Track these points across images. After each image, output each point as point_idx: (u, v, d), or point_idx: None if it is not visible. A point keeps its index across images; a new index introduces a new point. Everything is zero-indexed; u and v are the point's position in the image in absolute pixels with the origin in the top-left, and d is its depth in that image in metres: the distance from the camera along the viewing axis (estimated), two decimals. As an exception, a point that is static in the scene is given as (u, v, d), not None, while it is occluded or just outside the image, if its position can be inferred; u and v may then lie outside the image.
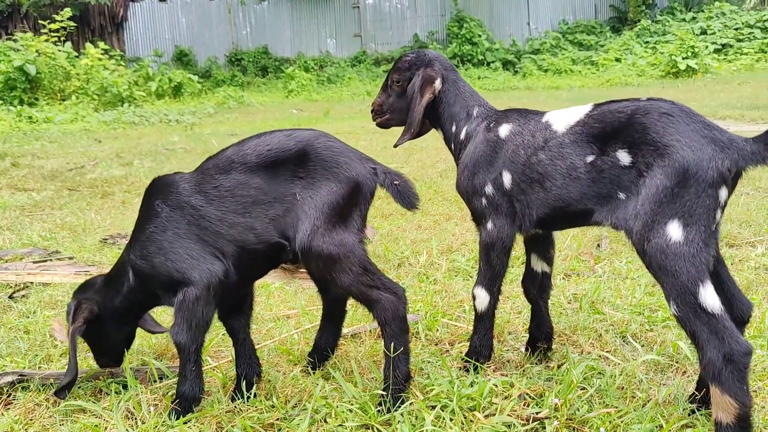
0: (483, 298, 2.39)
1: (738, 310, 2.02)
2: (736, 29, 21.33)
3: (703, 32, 21.46)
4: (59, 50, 16.05)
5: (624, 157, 1.94)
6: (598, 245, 4.10)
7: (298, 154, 2.21)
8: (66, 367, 2.35)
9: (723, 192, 1.84)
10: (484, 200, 2.31)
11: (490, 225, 2.30)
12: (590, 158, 2.03)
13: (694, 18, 22.56)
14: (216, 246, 2.20)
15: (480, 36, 22.83)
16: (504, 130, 2.32)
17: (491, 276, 2.37)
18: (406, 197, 2.30)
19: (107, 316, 2.36)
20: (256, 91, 20.94)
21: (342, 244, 2.15)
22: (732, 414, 1.75)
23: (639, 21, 22.99)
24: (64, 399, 2.26)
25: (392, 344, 2.17)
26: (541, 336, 2.54)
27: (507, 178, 2.25)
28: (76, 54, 16.68)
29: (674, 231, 1.81)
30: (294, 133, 2.26)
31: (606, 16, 24.44)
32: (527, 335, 2.58)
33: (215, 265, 2.18)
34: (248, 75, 22.70)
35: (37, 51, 15.51)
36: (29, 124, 13.05)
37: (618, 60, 21.21)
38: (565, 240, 4.11)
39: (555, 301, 3.10)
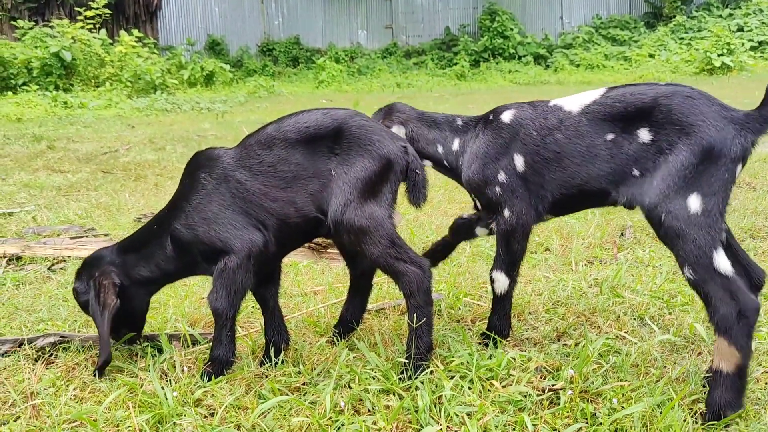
0: (502, 281, 2.47)
1: (754, 276, 2.18)
2: (773, 26, 20.90)
3: (740, 29, 21.06)
4: (94, 37, 16.38)
5: (645, 135, 2.07)
6: (622, 234, 4.13)
7: (334, 131, 2.32)
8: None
9: (739, 168, 2.00)
10: (498, 189, 2.38)
11: (507, 212, 2.37)
12: (611, 136, 2.14)
13: (731, 14, 22.15)
14: (258, 218, 2.31)
15: (512, 30, 22.68)
16: (507, 116, 2.41)
17: (510, 261, 2.44)
18: (419, 191, 2.39)
19: (132, 285, 2.43)
20: (287, 81, 21.10)
21: (372, 217, 2.25)
22: (733, 364, 1.90)
23: (674, 17, 22.63)
24: (103, 377, 2.33)
25: (416, 315, 2.26)
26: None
27: (519, 161, 2.33)
28: (111, 41, 17.01)
29: (694, 203, 1.95)
30: (330, 112, 2.37)
31: (641, 12, 24.10)
32: (546, 316, 2.65)
33: (256, 236, 2.29)
34: (279, 65, 22.87)
35: (72, 38, 15.85)
36: (64, 109, 13.36)
37: (651, 56, 20.92)
38: (588, 228, 4.15)
39: (576, 285, 3.16)
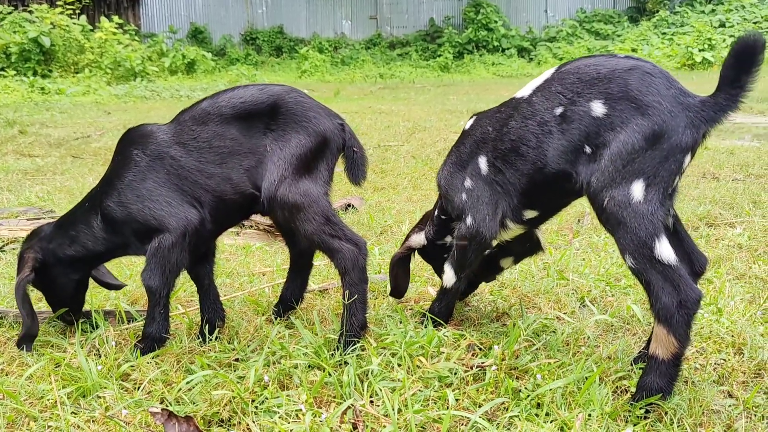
0: (450, 277, 2.44)
1: (696, 263, 2.12)
2: (755, 23, 21.01)
3: (722, 25, 21.18)
4: (74, 23, 16.19)
5: (598, 109, 1.93)
6: (579, 221, 4.15)
7: (270, 107, 2.30)
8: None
9: (687, 158, 1.90)
10: (464, 195, 2.32)
11: (469, 220, 2.30)
12: (559, 110, 2.02)
13: (713, 10, 22.27)
14: (194, 196, 2.29)
15: (496, 22, 22.67)
16: (469, 122, 2.40)
17: (460, 266, 2.40)
18: (358, 168, 2.39)
19: (57, 263, 2.40)
20: (270, 70, 20.97)
21: (307, 194, 2.23)
22: (670, 352, 1.87)
23: (658, 12, 22.74)
24: (30, 350, 2.31)
25: (350, 292, 2.26)
26: None
27: (483, 162, 2.25)
28: (91, 27, 16.82)
29: (637, 190, 1.86)
30: (266, 88, 2.34)
31: (624, 6, 24.17)
32: (491, 297, 2.65)
33: (192, 214, 2.27)
34: (263, 54, 22.73)
35: (51, 23, 15.66)
36: (41, 95, 13.23)
37: (634, 50, 20.98)
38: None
39: (525, 269, 3.17)
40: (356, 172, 2.40)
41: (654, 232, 1.85)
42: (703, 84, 14.44)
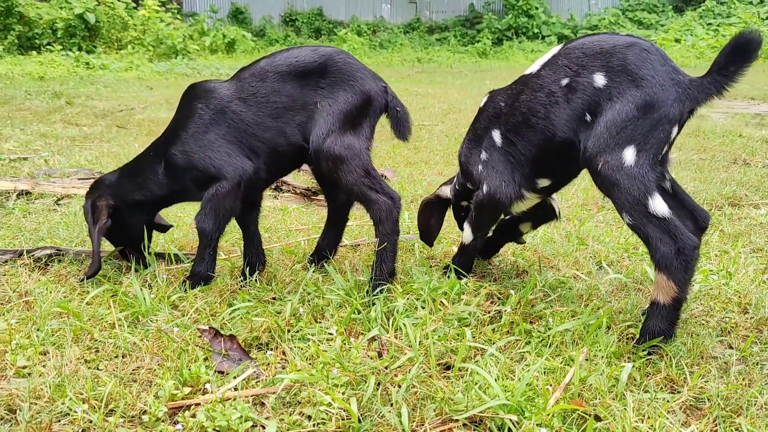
0: (468, 235, 2.63)
1: (699, 218, 2.28)
2: (804, 14, 20.52)
3: (770, 16, 20.72)
4: (118, 0, 16.60)
5: (600, 80, 2.12)
6: (604, 197, 4.26)
7: (321, 66, 2.51)
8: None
9: (675, 129, 2.09)
10: (480, 167, 2.50)
11: (485, 188, 2.46)
12: (565, 81, 2.20)
13: (762, 1, 21.77)
14: (251, 147, 2.51)
15: (537, 9, 22.51)
16: (484, 99, 2.59)
17: (477, 226, 2.59)
18: (402, 125, 2.59)
19: (127, 208, 2.64)
20: (308, 52, 21.18)
21: (350, 147, 2.44)
22: (670, 297, 2.03)
23: (704, 1, 22.31)
24: (90, 282, 2.54)
25: (382, 242, 2.45)
26: None
27: (496, 135, 2.43)
28: (135, 5, 17.24)
29: (629, 155, 2.04)
30: (318, 49, 2.56)
31: (670, -5, 23.77)
32: (512, 258, 2.81)
33: (248, 165, 2.49)
34: (302, 36, 22.97)
35: (97, 0, 16.08)
36: (86, 69, 13.66)
37: (677, 41, 20.68)
38: (574, 190, 4.29)
39: (547, 235, 3.31)
40: (402, 129, 2.60)
41: (646, 191, 2.02)
42: (747, 75, 14.15)
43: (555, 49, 2.30)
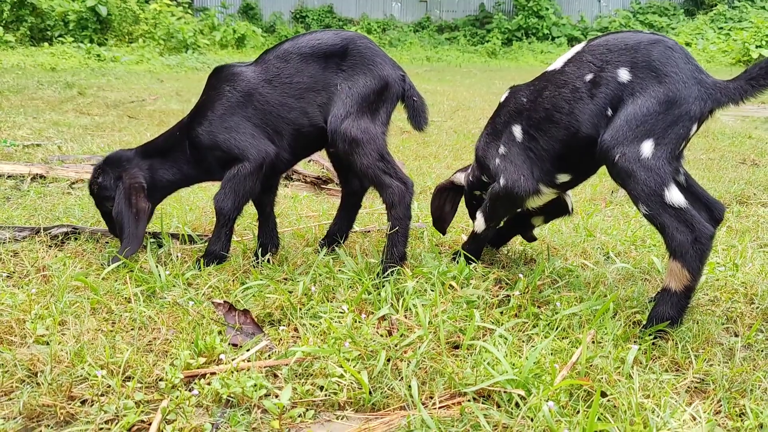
0: (481, 224, 2.65)
1: (715, 210, 2.33)
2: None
3: (782, 21, 20.63)
4: (131, -7, 16.70)
5: (624, 75, 2.16)
6: (612, 192, 4.29)
7: (342, 49, 2.56)
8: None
9: (694, 127, 2.12)
10: (497, 161, 2.52)
11: (502, 181, 2.48)
12: (589, 76, 2.23)
13: (773, 6, 21.70)
14: (275, 129, 2.56)
15: (548, 9, 22.51)
16: (504, 95, 2.61)
17: (490, 217, 2.62)
18: (419, 115, 2.63)
19: (155, 187, 2.67)
20: (318, 49, 21.25)
21: (366, 130, 2.48)
22: (683, 284, 2.07)
23: (715, 5, 22.24)
24: (116, 261, 2.49)
25: (393, 224, 2.49)
26: None
27: (517, 130, 2.46)
28: (146, -1, 17.34)
29: (647, 148, 2.07)
30: (341, 32, 2.62)
31: (681, -1, 23.73)
32: (521, 248, 2.84)
33: (270, 148, 2.55)
34: (312, 33, 23.02)
35: (109, -7, 16.19)
36: (97, 62, 13.75)
37: (688, 44, 20.61)
38: (582, 186, 4.31)
39: (555, 227, 3.35)
40: (418, 119, 2.63)
41: (662, 182, 2.05)
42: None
43: (578, 46, 2.34)
